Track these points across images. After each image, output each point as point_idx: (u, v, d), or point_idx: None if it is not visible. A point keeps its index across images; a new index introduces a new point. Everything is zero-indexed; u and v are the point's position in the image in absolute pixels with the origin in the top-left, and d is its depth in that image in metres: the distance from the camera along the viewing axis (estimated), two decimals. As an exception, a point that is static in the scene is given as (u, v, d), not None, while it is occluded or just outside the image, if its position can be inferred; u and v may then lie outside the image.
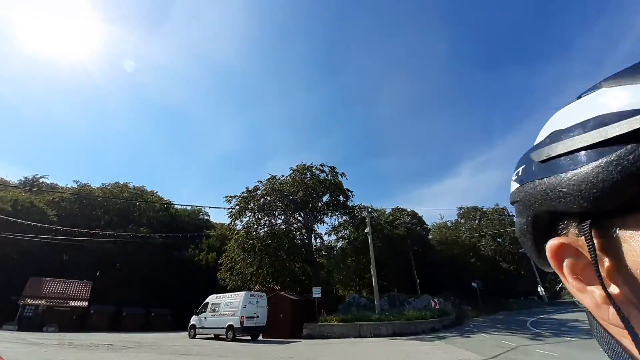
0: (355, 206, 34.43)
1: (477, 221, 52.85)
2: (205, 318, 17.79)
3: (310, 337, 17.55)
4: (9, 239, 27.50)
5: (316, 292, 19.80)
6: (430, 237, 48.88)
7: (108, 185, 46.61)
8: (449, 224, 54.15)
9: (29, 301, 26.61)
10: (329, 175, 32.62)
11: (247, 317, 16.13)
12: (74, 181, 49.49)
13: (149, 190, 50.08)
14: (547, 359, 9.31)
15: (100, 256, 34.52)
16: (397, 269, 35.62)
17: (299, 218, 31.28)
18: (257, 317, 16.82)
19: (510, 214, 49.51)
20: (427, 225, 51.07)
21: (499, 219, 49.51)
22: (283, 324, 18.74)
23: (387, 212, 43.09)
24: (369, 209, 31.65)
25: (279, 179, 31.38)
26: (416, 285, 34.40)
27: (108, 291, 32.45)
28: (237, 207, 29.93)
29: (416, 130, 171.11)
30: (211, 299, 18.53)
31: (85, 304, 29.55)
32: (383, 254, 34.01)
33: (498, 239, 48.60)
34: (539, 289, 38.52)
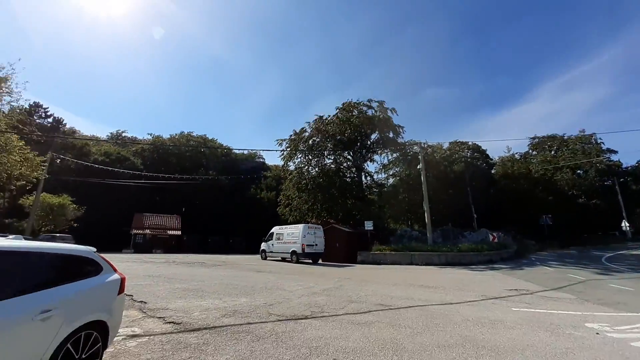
0: (407, 143, 32.73)
1: (553, 152, 46.16)
2: (272, 244, 20.66)
3: (363, 262, 19.22)
4: (116, 184, 33.72)
5: (368, 225, 20.87)
6: (493, 171, 45.07)
7: (175, 135, 52.03)
8: (517, 157, 48.53)
9: (137, 231, 33.85)
10: (378, 111, 30.79)
11: (307, 245, 18.23)
12: (148, 134, 56.24)
13: (210, 138, 54.52)
14: (622, 294, 8.65)
15: (182, 196, 40.75)
16: (453, 205, 34.66)
17: (348, 157, 31.33)
18: (316, 245, 18.88)
19: (600, 140, 41.74)
20: (492, 158, 46.69)
21: (583, 149, 42.28)
22: (339, 252, 20.66)
23: (444, 147, 40.19)
24: (423, 145, 29.86)
25: (325, 119, 30.87)
26: (473, 220, 33.46)
27: (194, 223, 39.25)
28: (288, 149, 31.02)
29: (482, 50, 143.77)
30: (275, 229, 21.15)
31: (179, 232, 36.71)
32: (437, 190, 33.00)
33: (579, 171, 42.40)
34: (622, 224, 34.13)
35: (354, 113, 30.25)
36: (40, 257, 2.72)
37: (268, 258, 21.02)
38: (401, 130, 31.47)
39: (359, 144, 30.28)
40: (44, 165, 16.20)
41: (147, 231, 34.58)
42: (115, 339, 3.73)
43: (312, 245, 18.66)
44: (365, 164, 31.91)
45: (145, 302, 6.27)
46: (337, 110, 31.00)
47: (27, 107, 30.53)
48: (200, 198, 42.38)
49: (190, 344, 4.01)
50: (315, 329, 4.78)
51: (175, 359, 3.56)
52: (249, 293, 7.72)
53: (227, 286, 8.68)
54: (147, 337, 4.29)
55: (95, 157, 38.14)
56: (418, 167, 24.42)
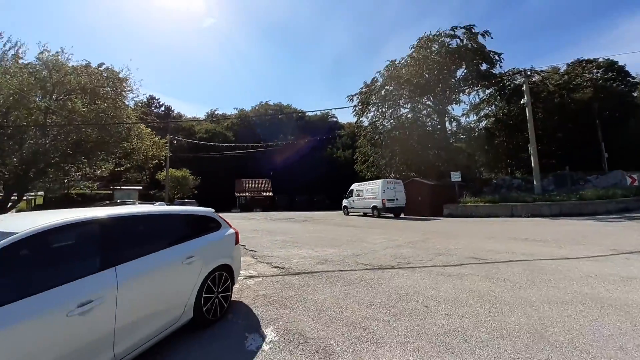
0: (505, 73, 26.88)
1: None
2: (353, 201, 21.42)
3: (451, 216, 18.09)
4: (217, 155, 39.75)
5: (455, 176, 19.12)
6: (635, 94, 33.53)
7: (256, 107, 56.45)
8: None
9: (240, 194, 39.96)
10: (464, 40, 25.75)
11: (387, 200, 18.18)
12: (234, 108, 62.55)
13: (285, 104, 57.13)
14: None
15: (269, 161, 45.33)
16: (572, 143, 27.99)
17: (428, 103, 28.07)
18: (397, 199, 18.63)
19: None
20: (634, 77, 34.59)
21: None
22: (422, 206, 19.92)
23: (560, 71, 31.55)
24: (527, 72, 24.12)
25: (398, 63, 27.70)
26: (602, 161, 26.54)
27: (282, 185, 43.86)
28: (359, 104, 29.81)
29: None
30: (354, 186, 21.68)
31: (271, 194, 41.80)
32: (549, 127, 26.97)
33: None
34: None
35: (432, 48, 26.17)
36: (180, 217, 3.56)
37: (350, 213, 22.00)
38: (497, 58, 25.86)
39: (440, 85, 26.40)
40: (166, 146, 19.92)
41: (247, 194, 40.54)
42: (239, 278, 4.70)
43: (393, 199, 18.49)
44: (449, 108, 28.19)
45: (255, 251, 7.60)
46: (412, 49, 27.21)
47: (145, 100, 37.59)
48: (284, 161, 46.34)
49: (293, 285, 4.76)
50: (403, 278, 4.94)
51: (284, 295, 4.31)
52: (336, 245, 8.39)
53: (317, 239, 9.64)
54: (261, 277, 5.28)
55: (199, 135, 45.25)
56: (522, 101, 20.10)
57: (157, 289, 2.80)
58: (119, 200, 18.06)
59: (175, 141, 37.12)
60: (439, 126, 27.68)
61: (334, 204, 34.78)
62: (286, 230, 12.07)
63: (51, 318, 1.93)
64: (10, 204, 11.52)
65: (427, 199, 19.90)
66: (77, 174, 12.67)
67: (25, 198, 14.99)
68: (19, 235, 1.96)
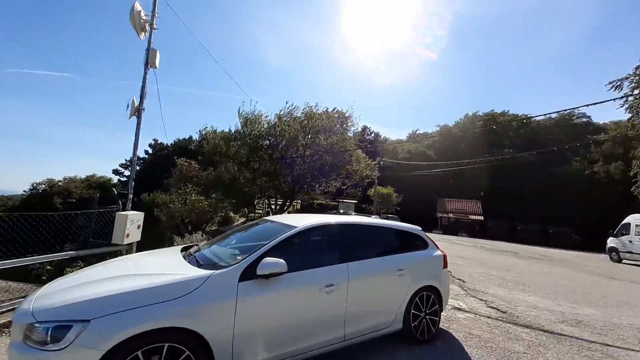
0: None
1: None
2: (631, 242, 13.91)
3: None
4: (418, 174, 40.34)
5: None
6: None
7: (461, 120, 51.94)
8: None
9: (442, 214, 37.62)
10: None
11: None
12: (436, 125, 61.08)
13: (499, 112, 48.37)
14: None
15: (478, 180, 39.67)
16: None
17: None
18: None
19: None
20: None
21: None
22: None
23: None
24: None
25: None
26: None
27: (495, 208, 36.71)
28: (636, 92, 19.32)
29: None
30: (633, 219, 14.08)
31: (481, 217, 36.00)
32: None
33: None
34: None
35: None
36: (392, 231, 3.89)
37: (624, 260, 14.37)
38: None
39: None
40: (376, 166, 22.55)
41: (451, 215, 37.46)
42: (446, 306, 4.37)
43: None
44: None
45: (464, 281, 6.77)
46: None
47: (360, 129, 45.18)
48: (498, 180, 38.71)
49: (522, 339, 3.74)
50: None
51: (508, 347, 3.48)
52: (599, 304, 5.74)
53: (557, 286, 7.10)
54: (473, 314, 4.60)
55: (402, 155, 48.08)
56: None
57: (374, 291, 3.19)
58: (342, 211, 22.89)
59: (382, 162, 41.63)
60: None
61: (588, 242, 24.28)
62: (505, 265, 9.84)
63: (312, 289, 2.72)
64: (285, 207, 17.73)
65: None
66: (319, 189, 17.31)
67: (291, 204, 22.26)
68: (298, 229, 2.96)
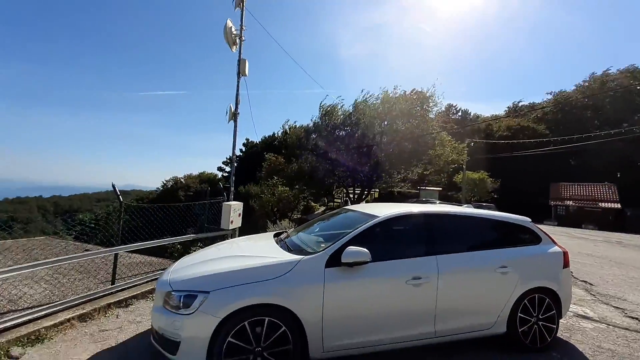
0: None
1: None
2: None
3: None
4: (521, 155, 34.08)
5: None
6: None
7: (584, 82, 40.83)
8: None
9: (557, 202, 30.87)
10: None
11: None
12: (547, 93, 49.79)
13: (643, 66, 36.01)
14: None
15: (611, 157, 30.87)
16: None
17: None
18: None
19: None
20: None
21: None
22: None
23: None
24: None
25: None
26: None
27: (638, 192, 28.01)
28: None
29: None
30: None
31: (616, 205, 28.00)
32: None
33: None
34: None
35: None
36: (491, 222, 3.40)
37: None
38: None
39: None
40: (465, 149, 20.18)
41: (570, 202, 30.41)
42: (567, 312, 3.62)
43: None
44: None
45: (591, 284, 5.46)
46: None
47: (443, 109, 40.70)
48: (645, 156, 29.23)
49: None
50: None
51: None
52: None
53: None
54: (604, 324, 3.70)
55: (499, 134, 41.26)
56: None
57: (469, 288, 2.89)
58: (423, 199, 21.32)
59: (472, 144, 36.73)
60: None
61: None
62: (657, 267, 7.46)
63: (397, 280, 2.65)
64: (363, 196, 17.68)
65: None
66: (398, 177, 16.56)
67: (370, 193, 21.98)
68: (380, 218, 2.89)
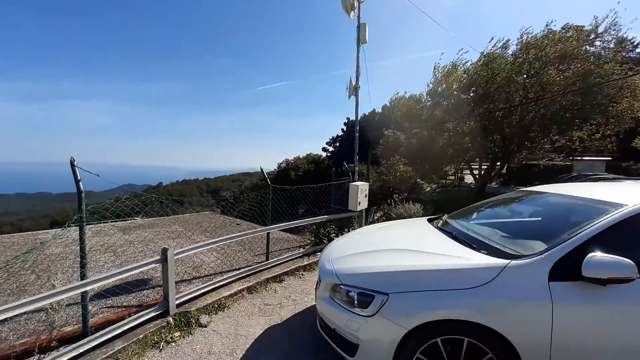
0: None
1: None
2: None
3: None
4: None
5: None
6: None
7: None
8: None
9: None
10: None
11: None
12: None
13: None
14: None
15: None
16: None
17: None
18: None
19: None
20: None
21: None
22: None
23: None
24: None
25: None
26: None
27: None
28: None
29: None
30: None
31: None
32: None
33: None
34: None
35: None
36: None
37: None
38: None
39: None
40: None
41: None
42: None
43: None
44: None
45: None
46: None
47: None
48: None
49: None
50: None
51: None
52: None
53: None
54: None
55: None
56: None
57: None
58: (581, 173, 15.81)
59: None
60: None
61: None
62: None
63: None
64: (492, 172, 14.70)
65: None
66: (546, 145, 12.86)
67: (503, 167, 17.98)
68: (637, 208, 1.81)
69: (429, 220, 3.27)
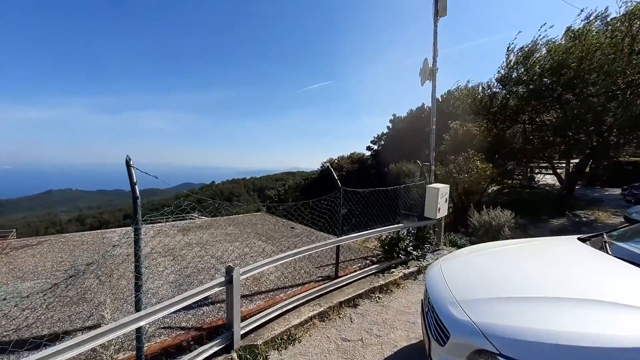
0: None
1: None
2: None
3: None
4: None
5: None
6: None
7: None
8: None
9: None
10: None
11: None
12: None
13: None
14: None
15: None
16: None
17: None
18: None
19: None
20: None
21: None
22: None
23: None
24: None
25: None
26: None
27: None
28: None
29: None
30: None
31: None
32: None
33: None
34: None
35: None
36: None
37: None
38: None
39: None
40: None
41: None
42: None
43: None
44: None
45: None
46: None
47: None
48: None
49: None
50: None
51: None
52: None
53: None
54: None
55: None
56: None
57: None
58: None
59: None
60: None
61: None
62: None
63: None
64: (584, 171, 12.27)
65: None
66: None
67: (601, 164, 15.00)
68: None
69: (582, 239, 2.27)
